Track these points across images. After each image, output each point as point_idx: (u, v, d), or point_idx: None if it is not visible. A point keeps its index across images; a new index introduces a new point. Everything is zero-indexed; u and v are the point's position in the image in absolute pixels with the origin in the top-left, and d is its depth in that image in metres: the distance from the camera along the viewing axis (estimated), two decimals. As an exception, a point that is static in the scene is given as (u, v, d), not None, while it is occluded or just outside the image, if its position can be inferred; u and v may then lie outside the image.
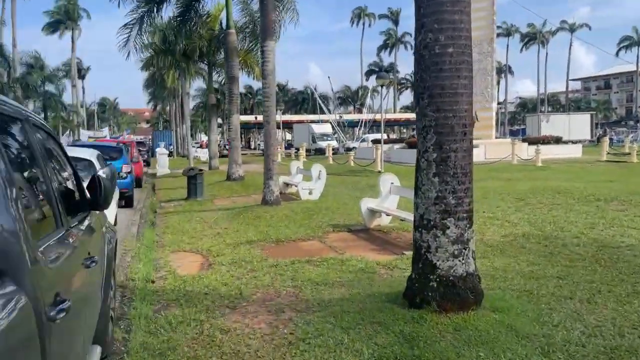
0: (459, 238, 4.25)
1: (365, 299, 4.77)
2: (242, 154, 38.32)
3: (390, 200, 8.61)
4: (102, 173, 2.84)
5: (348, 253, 6.82)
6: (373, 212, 8.54)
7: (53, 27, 53.63)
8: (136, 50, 16.34)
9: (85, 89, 69.82)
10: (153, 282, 5.82)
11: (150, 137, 54.17)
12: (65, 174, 2.85)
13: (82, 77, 67.17)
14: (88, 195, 2.88)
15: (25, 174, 1.84)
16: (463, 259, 4.26)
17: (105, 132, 34.39)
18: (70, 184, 2.84)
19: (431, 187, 4.27)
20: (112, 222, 7.59)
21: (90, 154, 7.37)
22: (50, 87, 47.41)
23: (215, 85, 25.00)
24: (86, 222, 2.66)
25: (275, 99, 11.00)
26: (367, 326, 4.11)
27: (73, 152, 7.41)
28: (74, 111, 54.56)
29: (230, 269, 6.16)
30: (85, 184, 2.92)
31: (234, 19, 17.04)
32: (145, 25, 15.88)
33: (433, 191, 4.27)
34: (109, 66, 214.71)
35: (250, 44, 18.22)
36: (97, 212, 3.04)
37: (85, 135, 30.83)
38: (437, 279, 4.27)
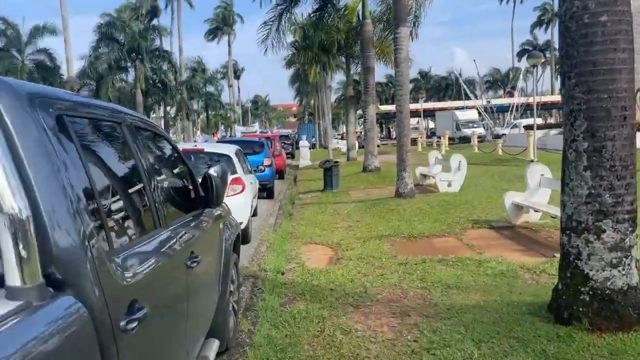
0: (619, 244, 3.53)
1: (502, 308, 4.25)
2: (383, 144, 38.42)
3: (540, 194, 7.66)
4: (213, 171, 2.87)
5: (487, 253, 6.23)
6: (519, 208, 7.70)
7: (212, 33, 59.15)
8: (273, 47, 17.09)
9: (240, 88, 76.03)
10: (283, 273, 5.95)
11: (296, 130, 56.92)
12: (176, 174, 2.94)
13: (237, 77, 73.17)
14: (202, 193, 2.94)
15: (112, 178, 1.87)
16: (624, 270, 3.54)
17: (256, 127, 37.04)
18: (181, 183, 2.92)
19: (581, 183, 3.61)
20: (251, 213, 7.98)
21: (229, 150, 7.83)
22: (210, 88, 52.50)
23: (356, 77, 25.12)
24: (195, 221, 2.71)
25: (408, 87, 10.58)
26: (502, 341, 3.63)
27: (213, 148, 7.99)
28: (230, 109, 59.74)
29: (357, 265, 6.03)
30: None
31: (370, 9, 16.89)
32: (283, 22, 16.56)
33: (584, 187, 3.60)
34: (261, 65, 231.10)
35: (386, 33, 17.88)
36: (214, 208, 3.10)
37: (238, 130, 33.54)
38: (590, 292, 3.60)
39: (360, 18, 17.49)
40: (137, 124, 2.23)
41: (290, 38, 23.09)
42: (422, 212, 9.04)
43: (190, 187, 2.95)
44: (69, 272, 1.32)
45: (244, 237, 7.61)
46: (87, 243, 1.39)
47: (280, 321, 4.35)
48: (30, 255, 1.19)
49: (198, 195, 2.95)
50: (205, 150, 7.81)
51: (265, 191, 12.90)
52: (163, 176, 2.55)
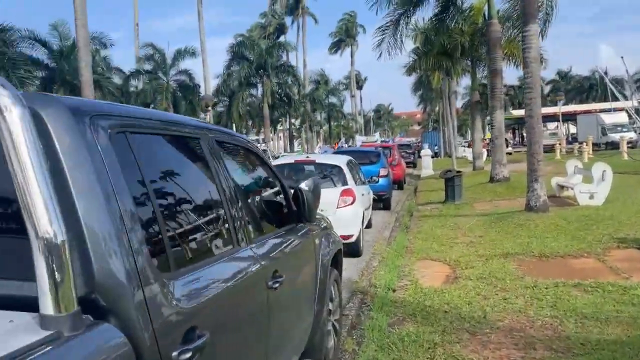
0: None
1: (651, 347, 3.52)
2: (516, 152, 35.79)
3: None
4: (304, 185, 2.72)
5: (635, 278, 5.30)
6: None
7: (336, 46, 60.63)
8: (389, 53, 16.73)
9: (362, 98, 76.76)
10: (394, 291, 5.63)
11: (418, 138, 55.74)
12: (265, 189, 2.84)
13: (359, 87, 74.02)
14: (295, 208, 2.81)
15: (181, 196, 1.78)
16: None
17: (377, 136, 36.89)
18: (270, 199, 2.81)
19: None
20: (363, 225, 7.76)
21: (340, 161, 7.71)
22: (333, 99, 53.74)
23: (485, 81, 23.72)
24: (282, 238, 2.57)
25: (539, 89, 9.57)
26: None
27: (325, 159, 7.94)
28: (352, 119, 60.52)
29: (477, 285, 5.49)
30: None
31: (496, 8, 15.79)
32: (401, 27, 16.16)
33: None
34: (384, 74, 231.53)
35: (515, 32, 16.56)
36: (307, 223, 2.94)
37: (359, 140, 33.71)
38: None
39: (486, 18, 16.45)
40: (219, 139, 2.16)
41: (410, 44, 22.63)
42: (556, 227, 8.06)
43: (283, 202, 2.83)
44: (111, 298, 1.22)
45: (354, 250, 7.44)
46: (135, 267, 1.29)
47: (387, 343, 4.06)
48: (64, 282, 1.10)
49: (291, 211, 2.81)
50: (317, 161, 7.79)
51: (382, 202, 12.60)
52: (247, 192, 2.45)
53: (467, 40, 19.12)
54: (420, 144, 41.11)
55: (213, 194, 1.95)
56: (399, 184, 17.72)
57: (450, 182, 12.46)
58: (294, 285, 2.55)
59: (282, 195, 2.83)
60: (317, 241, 3.15)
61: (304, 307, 2.78)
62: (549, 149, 29.81)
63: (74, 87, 15.67)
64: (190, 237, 1.76)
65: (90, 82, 14.75)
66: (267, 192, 2.81)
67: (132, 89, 32.68)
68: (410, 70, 23.07)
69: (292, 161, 8.01)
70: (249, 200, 2.45)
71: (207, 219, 1.91)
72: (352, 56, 62.30)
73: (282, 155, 19.95)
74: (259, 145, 32.98)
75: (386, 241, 8.61)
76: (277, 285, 2.13)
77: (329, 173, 7.55)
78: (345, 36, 59.75)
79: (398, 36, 16.75)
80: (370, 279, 6.19)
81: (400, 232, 9.40)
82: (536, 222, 8.52)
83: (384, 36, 16.30)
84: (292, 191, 2.81)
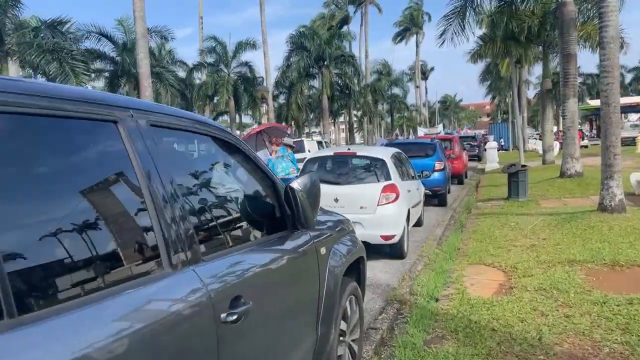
0: None
1: None
2: (593, 144, 33.03)
3: None
4: (296, 184, 2.21)
5: None
6: None
7: (400, 35, 58.99)
8: (453, 40, 15.65)
9: (427, 89, 74.37)
10: (437, 300, 5.03)
11: (485, 130, 53.19)
12: (244, 192, 2.34)
13: (425, 77, 71.79)
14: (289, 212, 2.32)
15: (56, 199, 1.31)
16: None
17: (440, 128, 35.34)
18: (252, 203, 2.32)
19: None
20: (408, 224, 7.12)
21: (384, 154, 7.07)
22: (395, 90, 52.39)
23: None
24: (258, 252, 2.07)
25: (618, 74, 8.41)
26: None
27: (367, 152, 7.34)
28: (415, 110, 58.64)
29: (534, 298, 4.77)
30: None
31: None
32: (468, 12, 15.08)
33: None
34: (452, 64, 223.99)
35: (591, 10, 14.97)
36: (306, 229, 2.42)
37: (421, 132, 32.50)
38: None
39: (560, -1, 15.01)
40: (158, 122, 1.70)
41: (477, 30, 21.29)
42: (634, 231, 7.04)
43: (274, 205, 2.35)
44: None
45: (397, 252, 6.84)
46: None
47: (420, 365, 3.53)
48: None
49: (284, 215, 2.33)
50: (358, 154, 7.20)
51: (437, 198, 11.81)
52: (205, 193, 1.99)
53: (536, 23, 17.57)
54: (486, 136, 39.12)
55: (126, 196, 1.50)
56: (459, 178, 16.74)
57: (514, 177, 11.46)
58: (275, 310, 2.04)
59: (266, 197, 2.34)
60: (322, 250, 2.63)
61: (294, 335, 2.29)
62: (629, 142, 27.22)
63: (137, 79, 16.09)
64: (75, 260, 1.27)
65: (148, 73, 14.97)
66: (243, 193, 2.33)
67: (197, 81, 33.41)
68: (475, 57, 21.68)
69: (331, 153, 7.47)
70: (208, 204, 1.98)
71: (107, 232, 1.41)
72: (417, 45, 60.39)
73: (329, 147, 19.42)
74: (312, 138, 32.67)
75: (436, 241, 7.92)
76: (235, 317, 1.65)
77: (371, 167, 6.96)
78: (410, 24, 57.95)
79: (465, 21, 15.72)
80: (411, 285, 5.60)
81: (453, 232, 8.66)
82: (610, 225, 7.51)
83: (450, 24, 15.31)
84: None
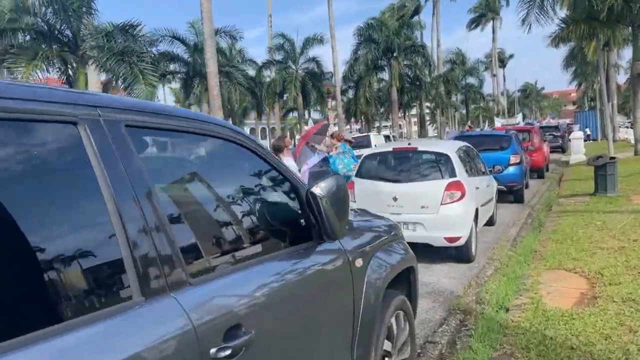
0: None
1: None
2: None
3: None
4: (318, 189, 1.90)
5: None
6: None
7: (475, 21, 56.45)
8: (533, 25, 14.47)
9: (506, 77, 70.67)
10: (507, 310, 4.53)
11: (571, 120, 49.70)
12: (263, 202, 2.07)
13: (503, 65, 68.31)
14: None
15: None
16: None
17: (519, 118, 33.19)
18: (268, 213, 2.04)
19: None
20: (476, 225, 6.55)
21: (449, 148, 6.53)
22: (470, 80, 50.16)
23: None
24: (267, 270, 1.78)
25: None
26: None
27: (430, 146, 6.82)
28: (492, 100, 55.80)
29: (622, 311, 4.16)
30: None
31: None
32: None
33: None
34: (533, 50, 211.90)
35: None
36: (333, 240, 2.11)
37: (497, 123, 30.77)
38: None
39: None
40: (134, 122, 1.47)
41: (560, 12, 19.64)
42: None
43: (298, 212, 2.06)
44: None
45: (463, 255, 6.31)
46: None
47: (482, 388, 3.12)
48: None
49: (309, 225, 2.03)
50: (419, 149, 6.70)
51: (512, 194, 10.97)
52: (198, 204, 1.73)
53: (621, 1, 15.84)
54: (571, 125, 36.40)
55: (82, 210, 1.28)
56: (538, 172, 15.57)
57: (602, 170, 10.37)
58: (288, 338, 1.75)
59: (286, 205, 2.05)
60: (358, 262, 2.31)
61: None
62: None
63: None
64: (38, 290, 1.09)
65: (215, 72, 15.28)
66: (257, 200, 2.04)
67: (267, 79, 33.89)
68: (556, 40, 20.02)
69: (390, 149, 7.02)
70: (206, 216, 1.73)
71: (53, 258, 1.18)
72: (493, 32, 57.49)
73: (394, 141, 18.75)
74: (380, 132, 31.95)
75: (510, 243, 7.27)
76: (230, 352, 1.38)
77: (434, 163, 6.45)
78: (486, 10, 55.23)
79: (546, 2, 14.52)
80: (478, 292, 5.12)
81: (530, 232, 7.93)
82: None
83: (528, 8, 14.18)
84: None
